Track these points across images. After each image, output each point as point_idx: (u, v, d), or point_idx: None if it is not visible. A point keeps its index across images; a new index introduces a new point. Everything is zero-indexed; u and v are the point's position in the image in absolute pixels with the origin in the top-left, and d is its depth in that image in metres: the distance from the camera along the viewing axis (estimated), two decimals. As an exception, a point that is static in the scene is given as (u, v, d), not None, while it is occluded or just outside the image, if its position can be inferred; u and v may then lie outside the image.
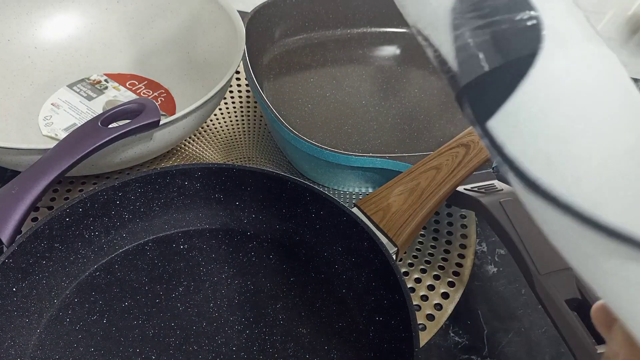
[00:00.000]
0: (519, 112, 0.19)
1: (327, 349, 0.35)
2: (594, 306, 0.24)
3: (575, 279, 0.34)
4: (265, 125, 0.55)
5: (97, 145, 0.37)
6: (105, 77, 0.54)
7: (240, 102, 0.57)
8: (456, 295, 0.42)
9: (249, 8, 0.57)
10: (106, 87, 0.53)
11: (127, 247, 0.40)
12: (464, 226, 0.47)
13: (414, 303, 0.41)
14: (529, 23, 0.19)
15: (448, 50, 0.21)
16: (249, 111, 0.56)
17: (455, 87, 0.21)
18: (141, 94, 0.53)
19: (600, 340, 0.32)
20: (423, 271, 0.43)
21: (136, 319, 0.36)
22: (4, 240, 0.33)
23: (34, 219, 0.44)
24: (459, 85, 0.21)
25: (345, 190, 0.49)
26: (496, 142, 0.20)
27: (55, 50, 0.55)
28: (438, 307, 0.41)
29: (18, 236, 0.34)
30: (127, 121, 0.39)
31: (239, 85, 0.59)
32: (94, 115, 0.40)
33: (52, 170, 0.35)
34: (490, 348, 0.40)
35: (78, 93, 0.52)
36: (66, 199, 0.46)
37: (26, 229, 0.35)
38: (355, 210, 0.40)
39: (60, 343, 0.34)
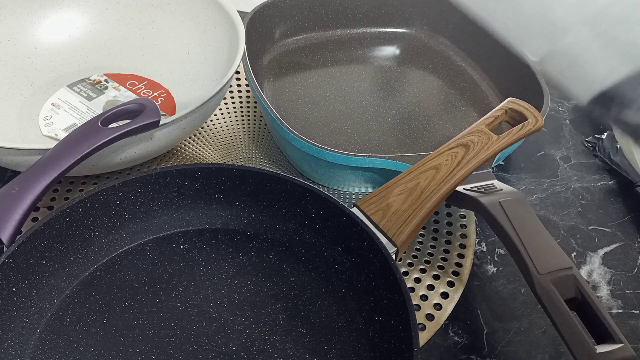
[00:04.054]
0: None
1: (326, 349, 0.35)
2: None
3: (575, 279, 0.34)
4: (265, 125, 0.55)
5: (97, 145, 0.37)
6: (105, 77, 0.54)
7: (240, 102, 0.57)
8: (456, 295, 0.42)
9: (249, 8, 0.57)
10: (106, 87, 0.53)
11: (127, 247, 0.40)
12: (463, 226, 0.47)
13: (414, 303, 0.41)
14: None
15: None
16: (249, 111, 0.56)
17: None
18: (141, 94, 0.53)
19: (599, 340, 0.32)
20: (423, 271, 0.43)
21: (136, 319, 0.36)
22: (4, 240, 0.33)
23: (34, 219, 0.44)
24: None
25: (345, 190, 0.49)
26: None
27: (55, 50, 0.55)
28: (437, 306, 0.41)
29: (18, 236, 0.34)
30: (127, 121, 0.39)
31: (239, 85, 0.59)
32: (94, 116, 0.40)
33: (52, 171, 0.35)
34: (489, 348, 0.40)
35: (78, 93, 0.52)
36: (66, 199, 0.46)
37: (26, 229, 0.35)
38: (355, 210, 0.40)
39: (60, 343, 0.34)
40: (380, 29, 0.65)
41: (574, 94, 0.20)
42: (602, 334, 0.32)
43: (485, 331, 0.41)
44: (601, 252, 0.47)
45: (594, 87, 0.19)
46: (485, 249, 0.46)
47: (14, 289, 0.34)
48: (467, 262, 0.44)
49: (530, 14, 0.19)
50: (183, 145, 0.51)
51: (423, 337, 0.39)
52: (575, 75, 0.19)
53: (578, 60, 0.18)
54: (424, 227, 0.46)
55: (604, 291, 0.44)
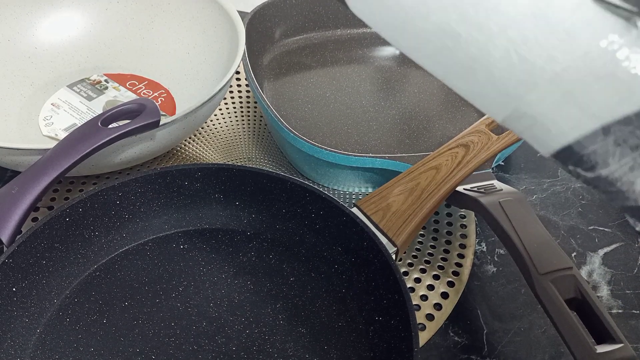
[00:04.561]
0: None
1: (326, 349, 0.35)
2: None
3: (575, 279, 0.34)
4: (265, 125, 0.55)
5: (97, 145, 0.37)
6: (105, 77, 0.54)
7: (240, 102, 0.57)
8: (456, 295, 0.42)
9: (249, 8, 0.57)
10: (106, 87, 0.53)
11: (127, 247, 0.40)
12: (463, 226, 0.47)
13: (414, 303, 0.41)
14: None
15: None
16: (249, 111, 0.56)
17: None
18: (141, 94, 0.53)
19: (599, 340, 0.32)
20: (422, 271, 0.43)
21: (136, 319, 0.36)
22: (4, 240, 0.33)
23: (34, 219, 0.44)
24: None
25: (345, 190, 0.49)
26: None
27: (55, 51, 0.55)
28: (437, 306, 0.41)
29: (18, 236, 0.34)
30: (127, 121, 0.39)
31: (239, 85, 0.59)
32: (94, 116, 0.40)
33: (52, 171, 0.35)
34: (489, 348, 0.40)
35: (78, 93, 0.52)
36: (66, 199, 0.46)
37: (26, 229, 0.35)
38: (355, 210, 0.40)
39: (60, 343, 0.34)
40: (380, 29, 0.65)
41: (537, 149, 0.20)
42: (602, 334, 0.32)
43: (485, 331, 0.41)
44: (601, 252, 0.47)
45: (554, 145, 0.19)
46: (485, 249, 0.46)
47: (14, 289, 0.34)
48: (467, 262, 0.44)
49: (487, 82, 0.19)
50: (183, 145, 0.51)
51: (423, 337, 0.39)
52: (536, 134, 0.20)
53: (538, 120, 0.19)
54: (424, 227, 0.46)
55: (604, 291, 0.44)
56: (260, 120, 0.55)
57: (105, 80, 0.54)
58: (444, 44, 0.19)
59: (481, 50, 0.19)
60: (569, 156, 0.19)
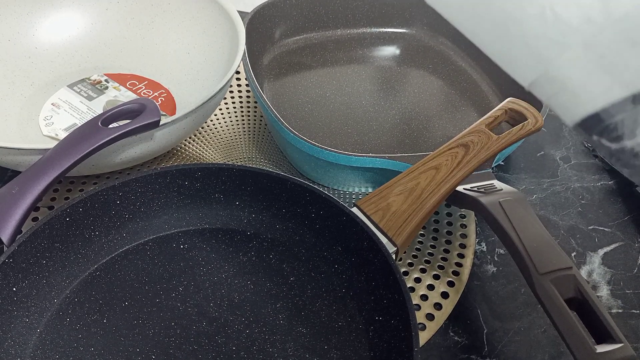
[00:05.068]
0: None
1: (326, 349, 0.35)
2: None
3: (575, 279, 0.34)
4: (265, 125, 0.55)
5: (97, 145, 0.37)
6: (105, 77, 0.54)
7: (240, 102, 0.57)
8: (456, 295, 0.42)
9: (249, 8, 0.57)
10: (106, 87, 0.53)
11: (127, 247, 0.40)
12: (463, 226, 0.47)
13: (414, 302, 0.41)
14: None
15: None
16: (249, 111, 0.56)
17: None
18: (141, 94, 0.53)
19: (599, 340, 0.32)
20: (423, 271, 0.43)
21: (136, 319, 0.36)
22: (5, 239, 0.33)
23: (35, 219, 0.44)
24: None
25: (345, 190, 0.49)
26: None
27: (55, 51, 0.55)
28: (438, 306, 0.41)
29: (18, 236, 0.34)
30: (128, 121, 0.39)
31: (239, 85, 0.59)
32: (95, 115, 0.40)
33: (52, 170, 0.35)
34: (489, 347, 0.40)
35: (78, 93, 0.52)
36: (66, 198, 0.46)
37: (26, 229, 0.35)
38: (355, 210, 0.40)
39: (60, 343, 0.34)
40: (380, 29, 0.65)
41: (561, 117, 0.20)
42: (602, 334, 0.32)
43: (485, 331, 0.41)
44: (601, 252, 0.47)
45: (580, 112, 0.19)
46: (485, 249, 0.46)
47: (14, 289, 0.34)
48: (467, 262, 0.44)
49: (519, 40, 0.19)
50: (183, 145, 0.51)
51: (423, 337, 0.39)
52: (563, 100, 0.19)
53: (567, 85, 0.18)
54: (424, 227, 0.46)
55: (604, 291, 0.44)
56: (260, 120, 0.55)
57: (106, 80, 0.54)
58: None
59: (516, 6, 0.18)
60: (595, 125, 0.19)
